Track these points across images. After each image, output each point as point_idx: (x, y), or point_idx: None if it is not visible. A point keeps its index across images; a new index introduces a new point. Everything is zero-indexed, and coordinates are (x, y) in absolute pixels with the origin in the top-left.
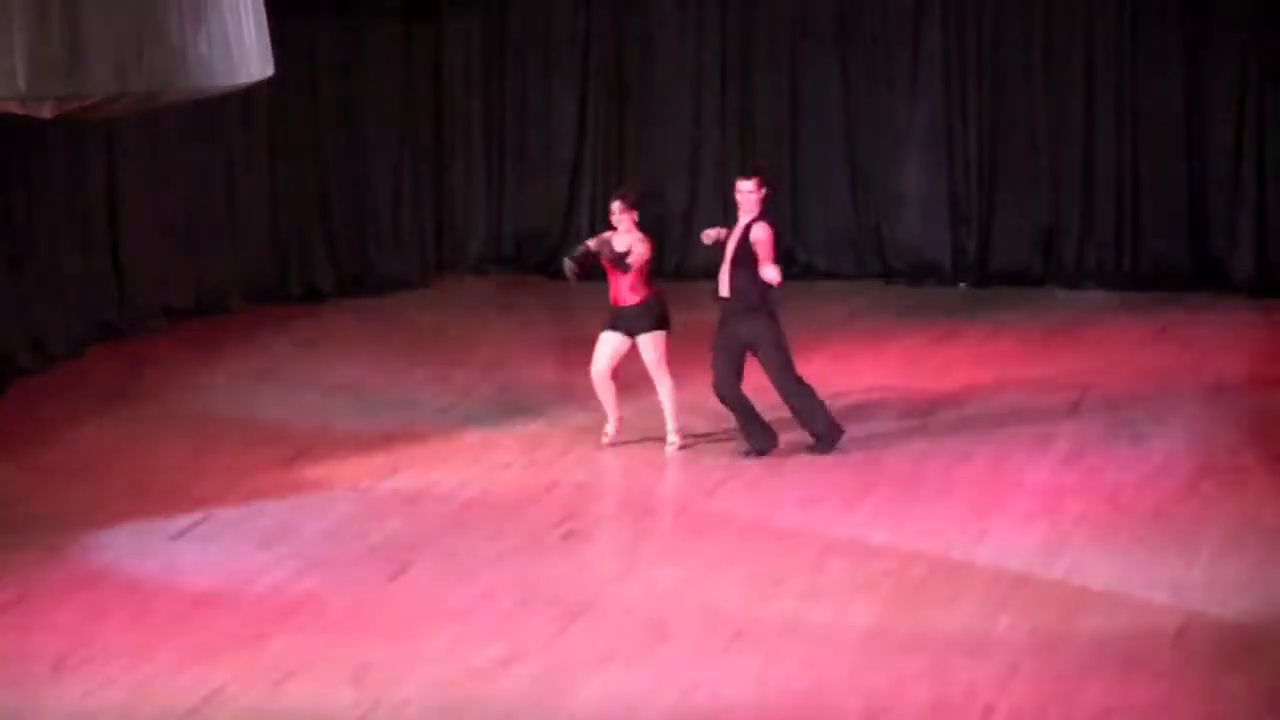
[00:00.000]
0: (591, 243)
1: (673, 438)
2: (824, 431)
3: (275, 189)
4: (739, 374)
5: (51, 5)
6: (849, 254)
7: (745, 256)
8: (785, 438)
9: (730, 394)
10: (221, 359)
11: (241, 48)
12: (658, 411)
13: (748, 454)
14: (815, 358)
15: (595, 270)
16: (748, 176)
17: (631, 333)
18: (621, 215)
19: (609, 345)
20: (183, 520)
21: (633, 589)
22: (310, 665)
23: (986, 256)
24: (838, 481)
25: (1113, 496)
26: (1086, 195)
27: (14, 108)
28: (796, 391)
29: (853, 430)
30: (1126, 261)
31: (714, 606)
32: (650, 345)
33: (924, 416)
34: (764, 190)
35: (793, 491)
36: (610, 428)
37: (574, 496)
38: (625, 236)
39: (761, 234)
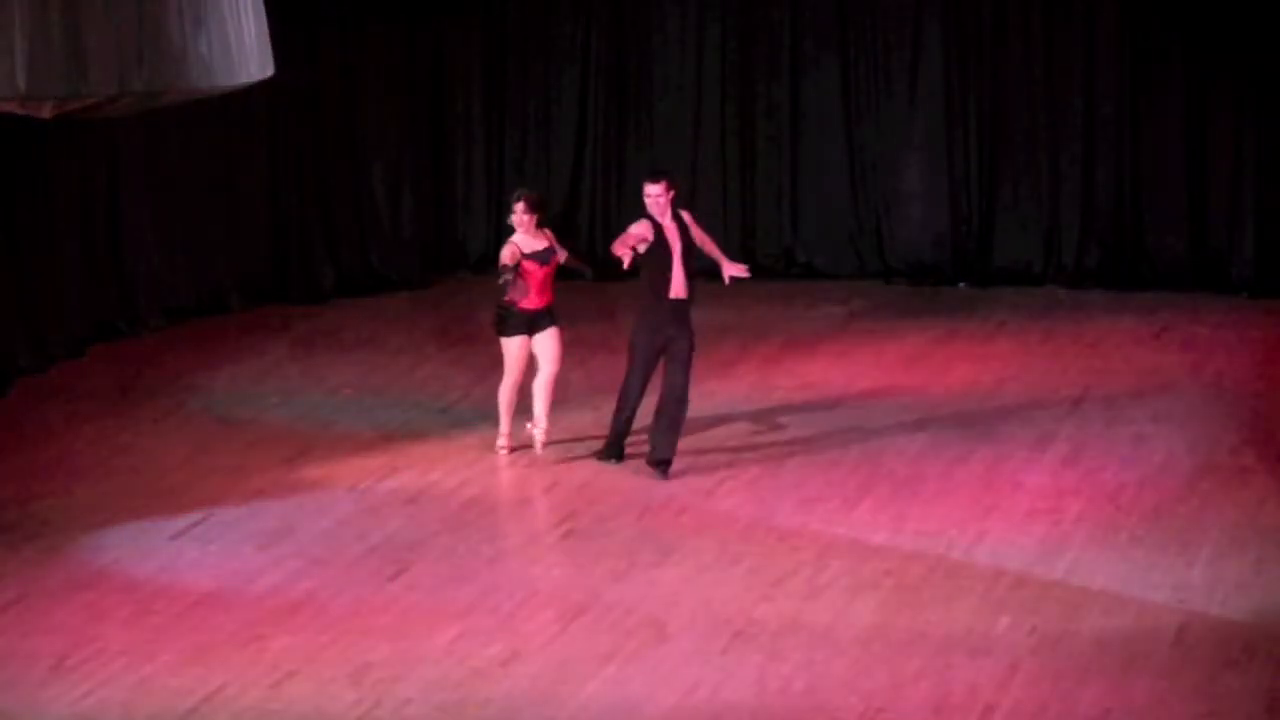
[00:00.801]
0: (505, 257)
1: (543, 423)
2: (670, 456)
3: (275, 189)
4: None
5: (51, 6)
6: (849, 254)
7: (690, 256)
8: (782, 436)
9: (637, 403)
10: (221, 359)
11: (241, 48)
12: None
13: (601, 456)
14: (815, 358)
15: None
16: (656, 180)
17: (536, 329)
18: (524, 216)
19: (524, 352)
20: (183, 520)
21: (633, 589)
22: (310, 665)
23: (986, 256)
24: (837, 481)
25: (1113, 496)
26: (1086, 195)
27: (14, 108)
28: (686, 401)
29: (853, 430)
30: (1126, 261)
31: (714, 606)
32: (558, 336)
33: (924, 416)
34: (672, 193)
35: (792, 491)
36: (502, 441)
37: (574, 496)
38: (529, 238)
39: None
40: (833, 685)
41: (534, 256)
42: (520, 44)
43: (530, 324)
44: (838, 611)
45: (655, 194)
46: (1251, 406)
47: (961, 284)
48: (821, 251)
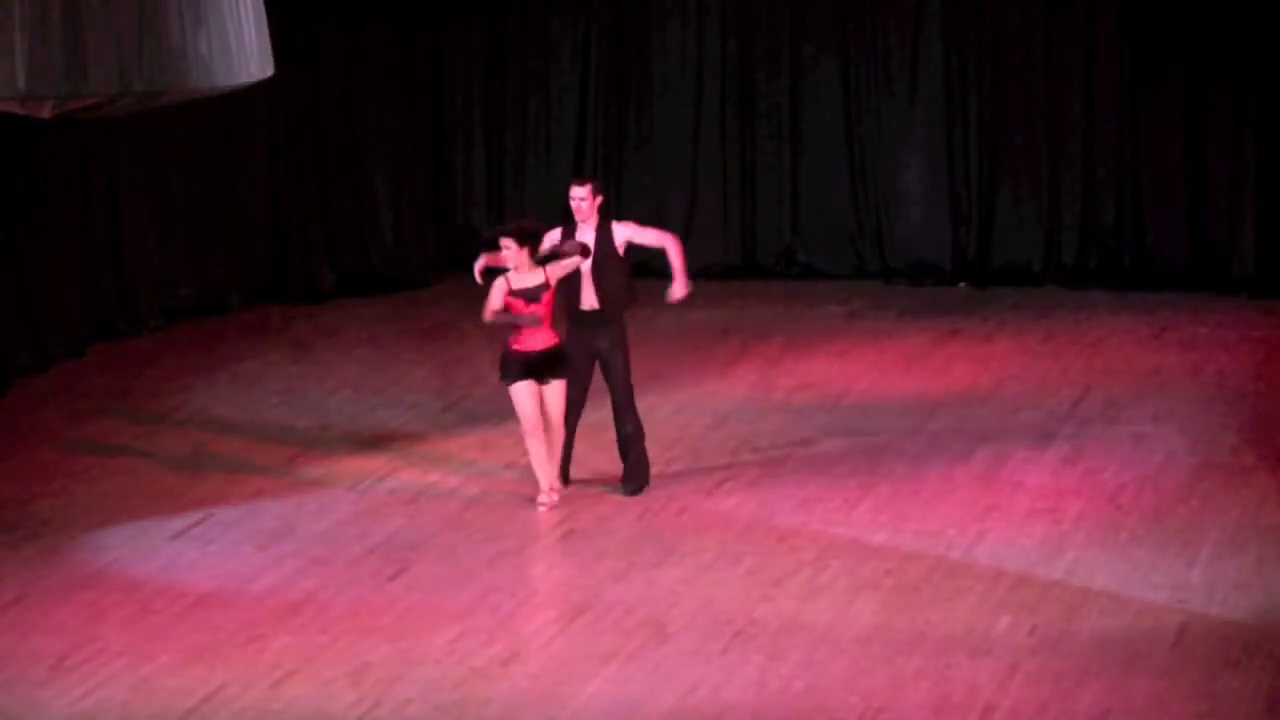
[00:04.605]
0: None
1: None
2: (644, 471)
3: (275, 189)
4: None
5: (52, 5)
6: (849, 254)
7: (606, 268)
8: (782, 436)
9: (575, 418)
10: (221, 359)
11: (241, 48)
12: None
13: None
14: (815, 358)
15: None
16: (582, 182)
17: (541, 376)
18: (518, 251)
19: (533, 398)
20: (183, 520)
21: (633, 589)
22: (310, 665)
23: (986, 256)
24: (837, 481)
25: (1113, 496)
26: (1086, 195)
27: (14, 108)
28: (635, 423)
29: (853, 430)
30: (1126, 261)
31: (714, 606)
32: (563, 391)
33: (924, 416)
34: (600, 197)
35: (792, 491)
36: (543, 498)
37: (574, 497)
38: (520, 274)
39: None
40: (833, 685)
41: (522, 294)
42: (520, 44)
43: (530, 369)
44: (838, 611)
45: (579, 196)
46: (1251, 406)
47: (961, 284)
48: (821, 251)
